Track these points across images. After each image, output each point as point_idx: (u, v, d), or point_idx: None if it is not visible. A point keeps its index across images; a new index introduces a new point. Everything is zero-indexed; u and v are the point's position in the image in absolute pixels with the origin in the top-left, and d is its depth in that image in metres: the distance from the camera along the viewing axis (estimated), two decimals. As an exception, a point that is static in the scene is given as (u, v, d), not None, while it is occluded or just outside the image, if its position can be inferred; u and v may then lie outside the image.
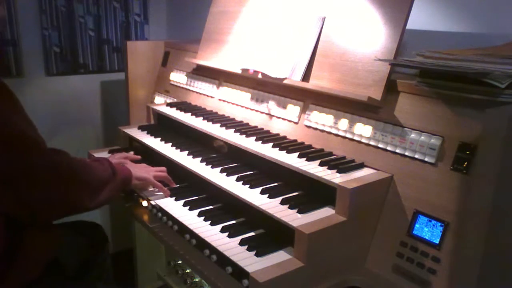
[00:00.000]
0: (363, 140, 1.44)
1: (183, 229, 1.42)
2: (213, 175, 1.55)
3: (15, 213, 1.24)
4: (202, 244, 1.34)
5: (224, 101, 2.01)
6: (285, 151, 1.51)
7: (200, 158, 1.67)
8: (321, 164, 1.41)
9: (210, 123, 1.83)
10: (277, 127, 1.73)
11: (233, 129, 1.73)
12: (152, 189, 1.67)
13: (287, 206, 1.33)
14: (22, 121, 1.21)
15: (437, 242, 1.21)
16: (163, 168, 1.69)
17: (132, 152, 1.94)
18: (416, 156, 1.30)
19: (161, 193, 1.63)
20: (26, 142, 1.19)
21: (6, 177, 1.18)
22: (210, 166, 1.61)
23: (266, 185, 1.46)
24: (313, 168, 1.38)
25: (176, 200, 1.59)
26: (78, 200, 1.34)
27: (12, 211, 1.23)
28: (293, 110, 1.68)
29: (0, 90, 1.19)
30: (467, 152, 1.20)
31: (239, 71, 1.83)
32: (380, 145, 1.39)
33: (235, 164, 1.63)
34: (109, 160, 1.53)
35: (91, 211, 1.40)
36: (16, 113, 1.21)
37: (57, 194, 1.28)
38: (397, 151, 1.34)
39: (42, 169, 1.23)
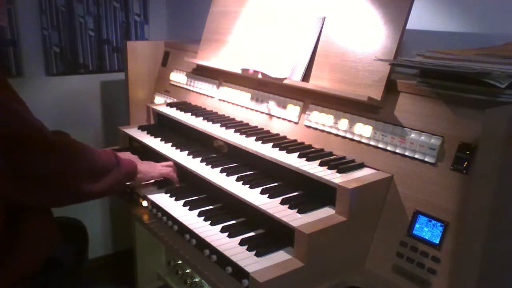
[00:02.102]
0: (363, 140, 1.44)
1: (183, 229, 1.42)
2: (213, 175, 1.55)
3: (14, 195, 1.22)
4: (202, 244, 1.34)
5: (224, 101, 2.01)
6: (285, 151, 1.51)
7: (200, 158, 1.67)
8: (321, 164, 1.41)
9: (210, 123, 1.83)
10: (277, 127, 1.73)
11: (233, 129, 1.73)
12: (152, 188, 1.67)
13: (287, 206, 1.33)
14: (19, 106, 1.20)
15: (437, 242, 1.21)
16: (170, 163, 1.70)
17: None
18: (416, 156, 1.30)
19: (161, 193, 1.64)
20: (25, 125, 1.18)
21: (7, 161, 1.17)
22: (210, 166, 1.61)
23: (266, 185, 1.46)
24: (313, 168, 1.38)
25: (176, 200, 1.59)
26: (76, 182, 1.31)
27: (10, 193, 1.21)
28: (293, 110, 1.68)
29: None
30: (467, 152, 1.20)
31: (239, 71, 1.83)
32: (380, 145, 1.39)
33: (235, 164, 1.63)
34: (114, 151, 1.53)
35: (92, 200, 1.39)
36: (13, 99, 1.21)
37: (55, 172, 1.25)
38: (397, 151, 1.34)
39: (41, 148, 1.21)
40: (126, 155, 1.68)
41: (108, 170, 1.42)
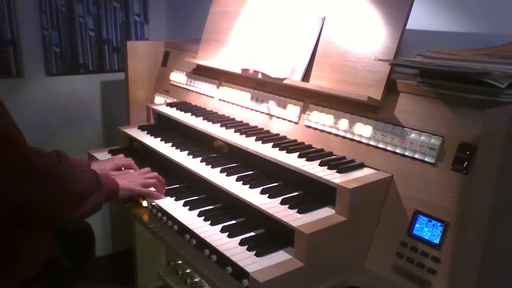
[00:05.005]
0: (363, 140, 1.44)
1: (183, 229, 1.42)
2: (213, 175, 1.55)
3: (2, 211, 1.22)
4: (202, 244, 1.34)
5: (224, 101, 2.01)
6: (285, 151, 1.51)
7: (200, 158, 1.67)
8: (321, 164, 1.41)
9: (210, 123, 1.83)
10: (277, 127, 1.73)
11: (233, 129, 1.73)
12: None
13: (287, 206, 1.33)
14: (1, 119, 1.18)
15: (437, 242, 1.21)
16: (154, 174, 1.65)
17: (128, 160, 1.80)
18: (416, 156, 1.30)
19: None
20: (6, 140, 1.14)
21: None
22: (210, 166, 1.61)
23: (266, 185, 1.46)
24: (313, 168, 1.38)
25: (176, 200, 1.59)
26: (58, 207, 1.29)
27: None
28: (293, 110, 1.68)
29: None
30: (467, 152, 1.20)
31: (239, 71, 1.83)
32: (380, 145, 1.39)
33: (235, 164, 1.63)
34: (95, 171, 1.48)
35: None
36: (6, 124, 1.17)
37: (39, 195, 1.23)
38: (397, 151, 1.34)
39: (21, 169, 1.18)
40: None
41: (90, 193, 1.37)
